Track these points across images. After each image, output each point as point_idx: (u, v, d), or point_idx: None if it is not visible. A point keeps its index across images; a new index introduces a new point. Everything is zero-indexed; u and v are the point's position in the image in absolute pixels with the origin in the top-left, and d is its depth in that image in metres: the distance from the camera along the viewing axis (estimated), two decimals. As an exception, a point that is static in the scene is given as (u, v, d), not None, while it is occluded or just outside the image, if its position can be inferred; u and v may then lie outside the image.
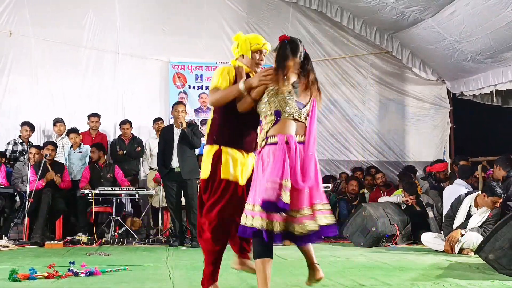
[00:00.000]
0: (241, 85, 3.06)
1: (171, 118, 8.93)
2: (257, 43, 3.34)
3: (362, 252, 5.81)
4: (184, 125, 6.49)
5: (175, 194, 6.55)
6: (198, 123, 8.53)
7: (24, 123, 7.93)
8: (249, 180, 3.06)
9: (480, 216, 5.77)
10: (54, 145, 7.48)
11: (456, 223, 5.93)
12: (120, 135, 8.35)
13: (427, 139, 9.61)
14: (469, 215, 5.88)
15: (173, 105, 6.84)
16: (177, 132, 6.60)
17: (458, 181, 6.89)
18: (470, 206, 5.89)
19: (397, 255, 5.58)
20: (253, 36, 3.46)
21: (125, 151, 8.12)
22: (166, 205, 7.26)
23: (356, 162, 9.36)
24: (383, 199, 7.42)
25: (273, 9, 9.33)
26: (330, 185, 7.93)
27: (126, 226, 7.10)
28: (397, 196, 7.15)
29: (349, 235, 6.70)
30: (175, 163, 6.52)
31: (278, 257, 5.36)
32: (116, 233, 6.97)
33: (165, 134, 6.78)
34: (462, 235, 5.66)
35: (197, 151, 7.02)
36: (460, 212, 5.95)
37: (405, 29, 8.50)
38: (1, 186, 6.83)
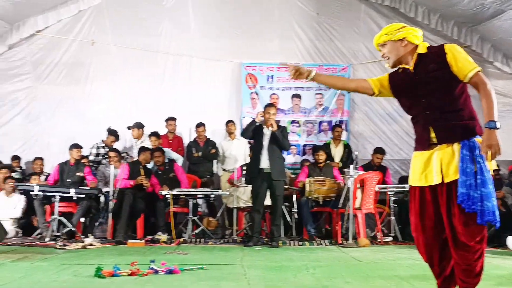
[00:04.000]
0: None
1: (244, 117, 9.10)
2: None
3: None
4: (275, 127, 6.55)
5: (263, 195, 6.64)
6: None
7: (110, 132, 8.32)
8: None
9: None
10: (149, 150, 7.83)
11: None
12: (196, 137, 8.57)
13: (511, 136, 9.06)
14: None
15: (265, 107, 6.87)
16: (266, 133, 6.67)
17: None
18: None
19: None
20: None
21: (200, 153, 8.33)
22: (240, 206, 7.39)
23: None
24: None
25: (343, 7, 9.21)
26: (407, 185, 7.67)
27: (203, 226, 7.29)
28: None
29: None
30: (264, 163, 6.61)
31: (354, 259, 5.28)
32: (193, 233, 7.18)
33: (255, 133, 6.84)
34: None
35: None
36: None
37: (485, 21, 8.08)
38: (87, 188, 7.22)
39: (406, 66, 3.00)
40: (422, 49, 2.94)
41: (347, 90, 3.31)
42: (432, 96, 2.88)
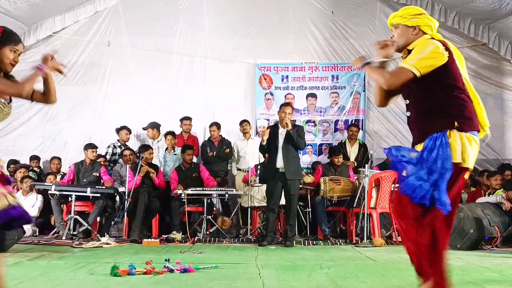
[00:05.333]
0: None
1: (258, 119, 9.12)
2: None
3: (459, 255, 5.51)
4: (290, 127, 6.54)
5: (278, 194, 6.64)
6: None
7: (123, 127, 8.44)
8: None
9: None
10: (152, 149, 7.89)
11: None
12: (210, 137, 8.60)
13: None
14: None
15: (281, 106, 6.85)
16: (282, 132, 6.66)
17: None
18: None
19: (498, 259, 5.25)
20: None
21: (214, 152, 8.35)
22: (255, 205, 7.39)
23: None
24: (481, 199, 7.01)
25: (359, 6, 9.15)
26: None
27: (217, 225, 7.31)
28: (497, 197, 6.71)
29: (444, 238, 6.38)
30: (279, 163, 6.60)
31: (369, 258, 5.25)
32: (207, 232, 7.21)
33: (270, 133, 6.87)
34: None
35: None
36: None
37: (503, 18, 7.97)
38: (103, 187, 7.29)
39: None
40: (412, 45, 2.83)
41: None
42: (410, 97, 2.85)
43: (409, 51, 2.84)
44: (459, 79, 2.76)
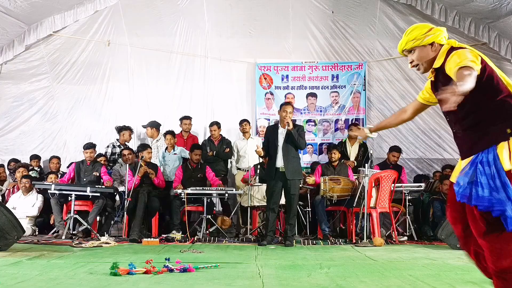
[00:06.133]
0: None
1: (258, 119, 9.11)
2: None
3: (459, 255, 5.51)
4: (291, 126, 6.53)
5: (278, 194, 6.64)
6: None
7: (126, 128, 8.41)
8: None
9: None
10: (150, 148, 7.89)
11: None
12: (210, 136, 8.60)
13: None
14: None
15: (281, 105, 6.85)
16: (282, 132, 6.66)
17: None
18: None
19: (498, 259, 5.24)
20: None
21: (214, 152, 8.35)
22: (254, 204, 7.39)
23: (451, 160, 8.88)
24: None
25: (359, 5, 9.13)
26: (423, 184, 7.62)
27: (217, 225, 7.31)
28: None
29: (444, 237, 6.38)
30: (279, 162, 6.60)
31: (368, 258, 5.25)
32: (207, 232, 7.20)
33: (269, 134, 6.86)
34: None
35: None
36: None
37: (503, 18, 7.96)
38: (103, 187, 7.29)
39: (432, 78, 2.83)
40: (438, 62, 2.73)
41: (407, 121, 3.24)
42: (451, 113, 2.70)
43: (436, 70, 2.76)
44: (497, 78, 2.63)
